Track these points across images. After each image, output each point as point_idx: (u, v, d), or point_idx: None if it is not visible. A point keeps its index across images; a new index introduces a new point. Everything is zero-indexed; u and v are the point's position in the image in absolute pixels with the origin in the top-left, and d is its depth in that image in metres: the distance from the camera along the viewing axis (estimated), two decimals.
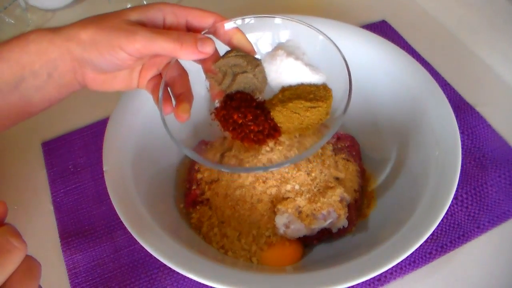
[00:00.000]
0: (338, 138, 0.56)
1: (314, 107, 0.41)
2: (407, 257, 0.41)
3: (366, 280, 0.44)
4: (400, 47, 0.57)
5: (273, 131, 0.42)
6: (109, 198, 0.45)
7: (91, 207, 0.55)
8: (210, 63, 0.43)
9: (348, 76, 0.41)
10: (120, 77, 0.43)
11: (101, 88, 0.42)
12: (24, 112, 0.40)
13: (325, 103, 0.42)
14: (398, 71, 0.56)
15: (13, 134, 0.64)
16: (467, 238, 0.51)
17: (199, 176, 0.52)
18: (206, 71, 0.43)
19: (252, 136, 0.42)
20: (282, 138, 0.50)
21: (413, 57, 0.56)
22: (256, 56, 0.43)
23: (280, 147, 0.49)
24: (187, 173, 0.55)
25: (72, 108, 0.66)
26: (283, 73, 0.43)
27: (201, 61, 0.43)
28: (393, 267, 0.42)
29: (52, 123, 0.64)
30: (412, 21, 0.76)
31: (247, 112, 0.41)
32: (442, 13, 0.77)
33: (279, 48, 0.44)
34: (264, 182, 0.48)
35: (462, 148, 0.48)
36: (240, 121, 0.41)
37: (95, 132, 0.62)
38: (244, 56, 0.42)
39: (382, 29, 0.74)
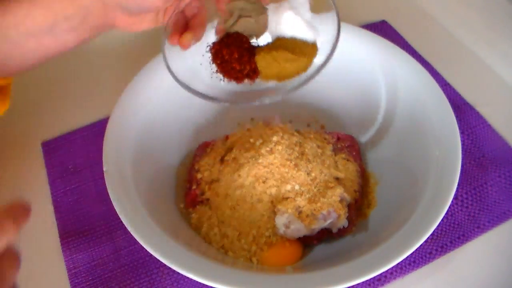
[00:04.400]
0: (338, 138, 0.56)
1: (294, 60, 0.44)
2: (407, 257, 0.41)
3: (366, 280, 0.44)
4: (400, 47, 0.57)
5: (252, 73, 0.45)
6: (109, 198, 0.45)
7: (91, 207, 0.55)
8: (223, 3, 0.46)
9: (337, 30, 0.44)
10: (147, 18, 0.45)
11: (130, 29, 0.45)
12: (57, 52, 0.42)
13: (306, 58, 0.44)
14: (398, 71, 0.56)
15: (13, 134, 0.64)
16: (467, 238, 0.51)
17: (199, 176, 0.52)
18: (218, 10, 0.47)
19: (232, 73, 0.45)
20: (282, 139, 0.50)
21: (413, 57, 0.56)
22: (266, 6, 0.46)
23: (280, 147, 0.49)
24: (187, 173, 0.55)
25: (72, 108, 0.66)
26: (282, 24, 0.45)
27: (216, 0, 0.46)
28: (393, 267, 0.42)
29: (52, 123, 0.64)
30: (412, 21, 0.76)
31: (235, 51, 0.45)
32: (442, 13, 0.77)
33: (286, 0, 0.46)
34: (264, 182, 0.48)
35: (462, 148, 0.48)
36: (227, 57, 0.45)
37: (95, 132, 0.62)
38: (253, 3, 0.46)
39: (382, 29, 0.74)
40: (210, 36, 0.47)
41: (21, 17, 0.39)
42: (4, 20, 0.39)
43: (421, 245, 0.41)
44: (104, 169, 0.47)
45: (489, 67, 0.69)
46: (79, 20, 0.40)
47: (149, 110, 0.54)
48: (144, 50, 0.73)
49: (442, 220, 0.42)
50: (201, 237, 0.49)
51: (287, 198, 0.47)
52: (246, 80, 0.45)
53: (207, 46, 0.47)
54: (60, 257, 0.52)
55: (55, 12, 0.39)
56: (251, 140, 0.52)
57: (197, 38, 0.45)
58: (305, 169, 0.49)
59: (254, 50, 0.46)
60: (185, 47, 0.44)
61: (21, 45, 0.40)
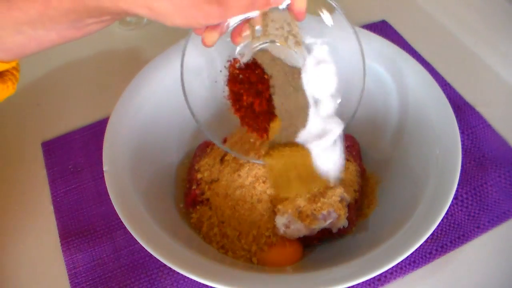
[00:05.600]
0: None
1: (301, 186, 0.46)
2: (407, 257, 0.41)
3: (366, 280, 0.44)
4: (400, 47, 0.57)
5: (262, 131, 0.44)
6: (109, 198, 0.45)
7: (91, 207, 0.55)
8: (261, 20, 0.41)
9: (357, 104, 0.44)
10: None
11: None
12: (79, 38, 0.40)
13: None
14: (398, 71, 0.56)
15: (13, 134, 0.64)
16: (467, 238, 0.51)
17: (199, 176, 0.52)
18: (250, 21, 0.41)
19: (246, 121, 0.43)
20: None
21: (413, 57, 0.56)
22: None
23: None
24: (187, 173, 0.55)
25: (72, 108, 0.66)
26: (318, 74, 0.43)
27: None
28: (393, 267, 0.42)
29: (52, 123, 0.64)
30: (412, 21, 0.76)
31: (256, 103, 0.41)
32: (442, 13, 0.77)
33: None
34: (264, 182, 0.48)
35: (462, 148, 0.48)
36: (245, 103, 0.41)
37: (95, 132, 0.62)
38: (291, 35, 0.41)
39: (382, 29, 0.74)
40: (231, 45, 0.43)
41: (35, 15, 0.36)
42: (11, 15, 0.36)
43: (421, 245, 0.41)
44: (104, 169, 0.47)
45: (489, 67, 0.69)
46: (109, 17, 0.37)
47: (149, 110, 0.54)
48: (144, 51, 0.73)
49: (442, 220, 0.42)
50: (201, 237, 0.49)
51: (287, 198, 0.47)
52: (254, 136, 0.43)
53: (227, 61, 0.44)
54: (60, 257, 0.52)
55: (82, 11, 0.36)
56: (251, 140, 0.52)
57: (222, 33, 0.42)
58: None
59: (272, 105, 0.42)
60: (208, 44, 0.41)
61: (40, 38, 0.37)
